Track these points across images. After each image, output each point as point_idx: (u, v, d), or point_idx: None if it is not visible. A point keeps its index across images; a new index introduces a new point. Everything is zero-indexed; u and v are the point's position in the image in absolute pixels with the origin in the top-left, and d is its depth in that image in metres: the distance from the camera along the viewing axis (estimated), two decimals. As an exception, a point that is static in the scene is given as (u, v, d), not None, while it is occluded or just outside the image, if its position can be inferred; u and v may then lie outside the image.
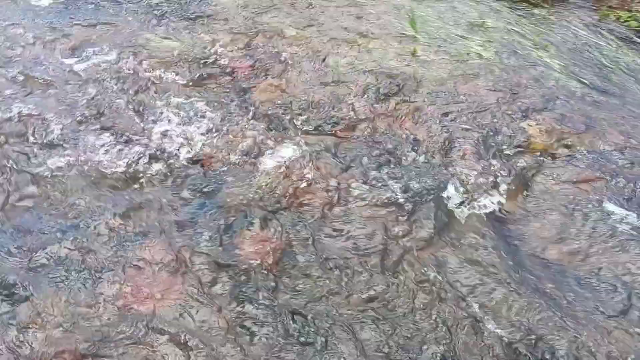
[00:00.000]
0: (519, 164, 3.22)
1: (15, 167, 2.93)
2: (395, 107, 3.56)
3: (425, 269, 2.61)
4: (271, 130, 3.32)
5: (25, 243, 2.58)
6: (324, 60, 3.91)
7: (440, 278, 2.58)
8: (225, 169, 3.08)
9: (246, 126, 3.33)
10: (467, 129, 3.42)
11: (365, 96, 3.62)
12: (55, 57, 3.76)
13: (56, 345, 2.20)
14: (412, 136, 3.35)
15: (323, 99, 3.57)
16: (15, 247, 2.56)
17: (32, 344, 2.20)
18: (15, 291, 2.37)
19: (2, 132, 3.11)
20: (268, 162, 3.11)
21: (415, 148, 3.28)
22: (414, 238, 2.76)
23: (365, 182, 3.03)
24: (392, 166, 3.14)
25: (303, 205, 2.90)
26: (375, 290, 2.52)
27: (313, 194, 2.95)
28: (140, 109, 3.40)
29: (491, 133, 3.40)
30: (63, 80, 3.57)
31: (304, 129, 3.36)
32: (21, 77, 3.56)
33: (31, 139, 3.10)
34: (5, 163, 2.94)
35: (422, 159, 3.22)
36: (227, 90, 3.60)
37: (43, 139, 3.11)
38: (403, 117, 3.49)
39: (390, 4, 4.63)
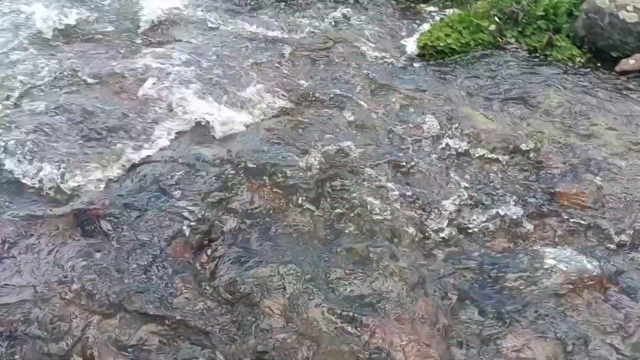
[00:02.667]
0: None
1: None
2: None
3: None
4: (569, 235, 3.26)
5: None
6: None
7: None
8: (509, 257, 3.14)
9: (544, 221, 3.32)
10: None
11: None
12: (387, 111, 4.26)
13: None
14: None
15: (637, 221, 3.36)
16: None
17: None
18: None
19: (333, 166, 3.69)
20: (559, 265, 3.05)
21: None
22: None
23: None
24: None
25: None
26: None
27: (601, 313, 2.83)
28: (443, 174, 3.67)
29: None
30: (383, 133, 4.03)
31: (608, 244, 3.20)
32: (354, 121, 4.14)
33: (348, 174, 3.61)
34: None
35: None
36: (532, 181, 3.64)
37: (357, 179, 3.59)
38: None
39: None
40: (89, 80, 4.37)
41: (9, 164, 3.49)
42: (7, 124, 3.81)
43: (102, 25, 5.30)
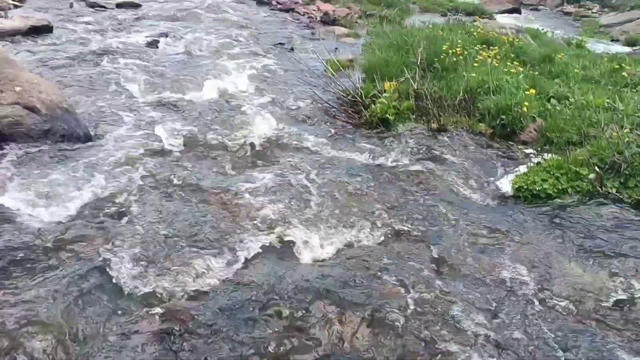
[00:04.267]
0: None
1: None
2: None
3: None
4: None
5: None
6: None
7: None
8: None
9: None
10: None
11: None
12: (476, 252, 4.20)
13: None
14: None
15: None
16: None
17: None
18: None
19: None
20: None
21: None
22: None
23: None
24: None
25: None
26: None
27: None
28: (532, 329, 3.48)
29: None
30: (472, 276, 3.95)
31: None
32: (442, 260, 4.11)
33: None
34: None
35: None
36: (630, 342, 3.38)
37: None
38: None
39: None
40: (196, 192, 4.73)
41: (113, 266, 3.76)
42: (117, 227, 4.16)
43: (214, 142, 5.80)
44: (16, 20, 9.19)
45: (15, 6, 10.77)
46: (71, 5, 11.57)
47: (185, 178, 4.97)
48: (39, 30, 9.20)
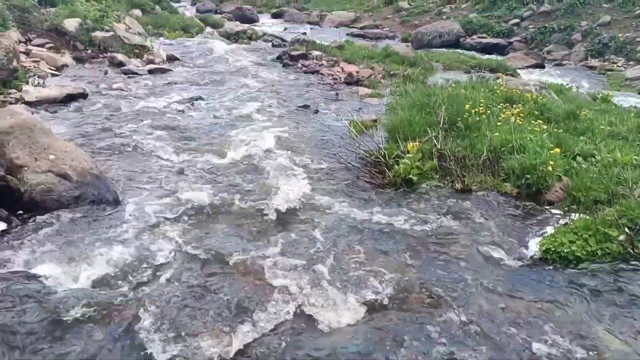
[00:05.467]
0: None
1: None
2: None
3: None
4: None
5: None
6: None
7: None
8: None
9: None
10: None
11: None
12: (503, 318, 4.08)
13: None
14: None
15: None
16: None
17: None
18: None
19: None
20: None
21: None
22: None
23: None
24: None
25: None
26: None
27: None
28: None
29: None
30: (499, 342, 3.83)
31: None
32: (467, 324, 4.00)
33: None
34: None
35: None
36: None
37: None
38: None
39: None
40: (219, 258, 4.78)
41: (138, 331, 3.78)
42: (142, 293, 4.20)
43: (238, 206, 5.88)
44: (53, 89, 9.65)
45: (53, 74, 11.33)
46: (106, 73, 12.12)
47: (209, 243, 5.02)
48: (75, 98, 9.63)
